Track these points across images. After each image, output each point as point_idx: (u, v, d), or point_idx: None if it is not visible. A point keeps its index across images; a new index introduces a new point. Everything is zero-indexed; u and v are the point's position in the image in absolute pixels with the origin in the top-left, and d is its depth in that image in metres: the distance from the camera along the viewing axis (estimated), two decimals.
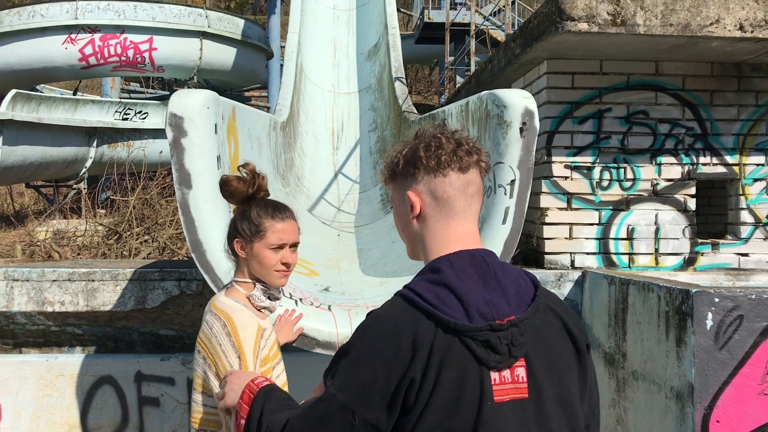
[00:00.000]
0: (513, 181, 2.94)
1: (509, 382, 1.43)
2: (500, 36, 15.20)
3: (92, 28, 14.17)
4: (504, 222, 2.95)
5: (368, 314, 1.52)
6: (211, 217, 2.85)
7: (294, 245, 2.17)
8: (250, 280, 2.14)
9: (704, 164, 4.46)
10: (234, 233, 2.15)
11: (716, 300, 2.94)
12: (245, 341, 2.01)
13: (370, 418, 1.41)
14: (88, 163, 13.18)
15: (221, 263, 2.84)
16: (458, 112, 3.82)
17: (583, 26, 3.76)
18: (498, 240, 2.96)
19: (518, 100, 2.92)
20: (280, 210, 2.15)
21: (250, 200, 2.15)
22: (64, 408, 4.04)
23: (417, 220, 1.58)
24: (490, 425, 1.40)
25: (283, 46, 17.89)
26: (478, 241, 1.58)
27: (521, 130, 2.92)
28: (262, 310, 2.17)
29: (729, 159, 4.47)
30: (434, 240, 1.55)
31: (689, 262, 4.44)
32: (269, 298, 2.16)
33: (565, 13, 3.76)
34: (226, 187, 2.14)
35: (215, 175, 2.89)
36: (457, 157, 1.52)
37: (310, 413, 1.49)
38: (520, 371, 1.44)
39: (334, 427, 1.44)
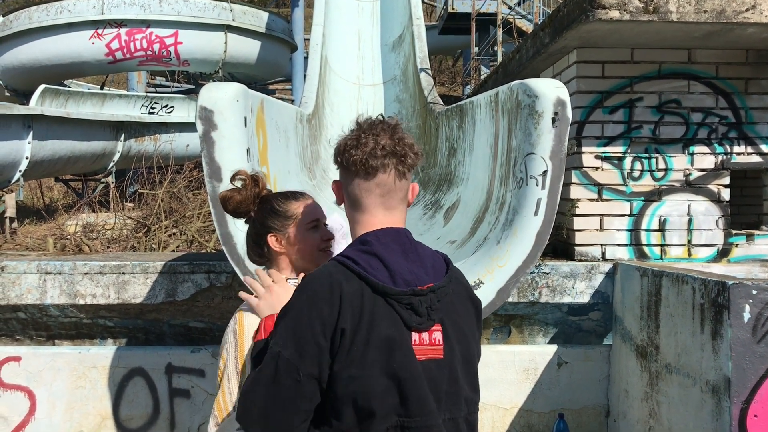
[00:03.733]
0: (545, 172, 2.90)
1: (427, 343, 1.63)
2: (526, 26, 15.04)
3: (118, 23, 14.29)
4: (536, 214, 2.91)
5: (304, 277, 1.70)
6: None
7: (324, 223, 2.13)
8: (292, 277, 2.05)
9: (738, 153, 4.37)
10: (265, 231, 2.05)
11: (754, 292, 2.88)
12: (248, 341, 1.94)
13: (312, 371, 1.56)
14: (116, 157, 13.31)
15: None
16: (487, 102, 3.78)
17: (615, 14, 3.70)
18: (530, 232, 2.92)
19: (550, 90, 2.88)
20: (296, 193, 2.14)
21: (260, 202, 2.08)
22: (96, 399, 4.09)
23: (344, 204, 1.79)
24: (418, 378, 1.58)
25: (307, 39, 17.90)
26: (397, 224, 1.74)
27: (553, 120, 2.88)
28: None
29: (764, 148, 4.38)
30: (355, 224, 1.74)
31: (723, 254, 4.36)
32: None
33: (595, 1, 3.70)
34: (229, 202, 2.05)
35: (245, 168, 2.89)
36: (366, 162, 1.66)
37: (264, 373, 1.60)
38: (437, 335, 1.65)
39: (285, 384, 1.57)
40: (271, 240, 2.05)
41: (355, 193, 1.71)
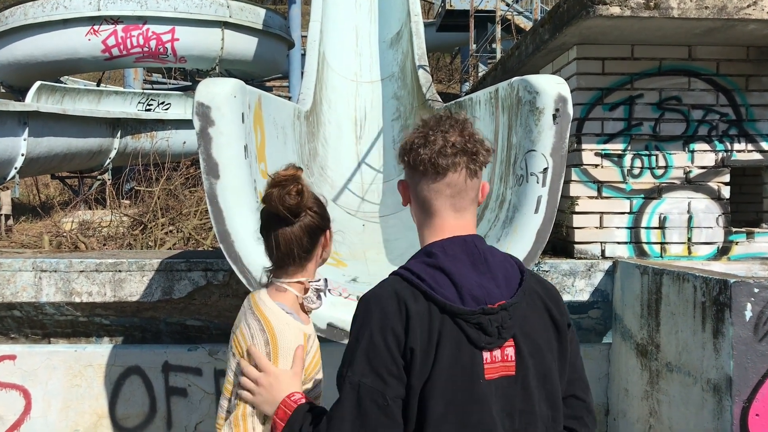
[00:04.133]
0: (546, 169, 2.88)
1: (499, 360, 1.54)
2: (524, 23, 15.00)
3: (115, 20, 14.20)
4: (537, 211, 2.89)
5: (363, 298, 1.58)
6: (239, 207, 2.82)
7: None
8: (303, 279, 1.96)
9: (739, 151, 4.34)
10: (322, 230, 1.95)
11: (756, 290, 2.86)
12: (282, 355, 1.86)
13: (399, 392, 1.49)
14: (113, 154, 13.24)
15: (250, 253, 2.82)
16: (487, 99, 3.75)
17: (615, 10, 3.67)
18: (530, 229, 2.90)
19: (551, 86, 2.85)
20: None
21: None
22: (92, 398, 4.06)
23: (410, 205, 1.70)
24: (479, 402, 1.50)
25: (304, 36, 17.84)
26: (468, 229, 1.64)
27: (554, 116, 2.85)
28: (310, 313, 2.03)
29: (765, 145, 4.35)
30: (425, 229, 1.64)
31: (723, 252, 4.34)
32: (318, 297, 2.02)
33: None
34: (306, 193, 1.90)
35: (243, 164, 2.86)
36: (437, 160, 1.56)
37: (345, 407, 1.50)
38: (510, 351, 1.55)
39: (372, 413, 1.48)
40: (327, 236, 1.97)
41: (423, 194, 1.61)
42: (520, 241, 2.91)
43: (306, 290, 1.97)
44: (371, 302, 1.55)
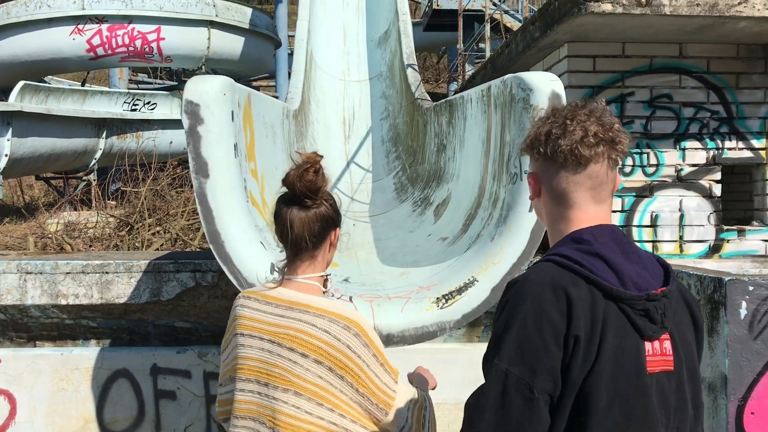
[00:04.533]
0: None
1: (659, 353, 1.45)
2: (511, 22, 15.01)
3: (99, 19, 14.07)
4: (531, 210, 2.85)
5: (513, 283, 1.48)
6: (229, 206, 2.77)
7: None
8: (325, 274, 1.97)
9: (730, 149, 4.34)
10: (336, 222, 1.95)
11: (750, 288, 2.85)
12: (379, 343, 1.87)
13: (547, 387, 1.37)
14: (98, 155, 13.11)
15: (240, 254, 2.77)
16: (479, 97, 3.71)
17: (607, 7, 3.65)
18: (525, 228, 2.86)
19: (545, 83, 2.82)
20: None
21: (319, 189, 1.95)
22: (79, 402, 3.98)
23: (539, 199, 1.59)
24: (645, 395, 1.41)
25: (291, 35, 17.76)
26: (608, 221, 1.56)
27: None
28: None
29: (755, 143, 4.36)
30: (561, 223, 1.55)
31: (714, 250, 4.33)
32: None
33: None
34: (321, 173, 1.91)
35: (233, 163, 2.81)
36: (578, 150, 1.46)
37: (489, 397, 1.40)
38: (667, 344, 1.47)
39: (516, 405, 1.37)
40: (335, 233, 1.97)
41: (561, 186, 1.51)
42: (515, 240, 2.87)
43: (325, 284, 1.97)
44: (525, 288, 1.43)
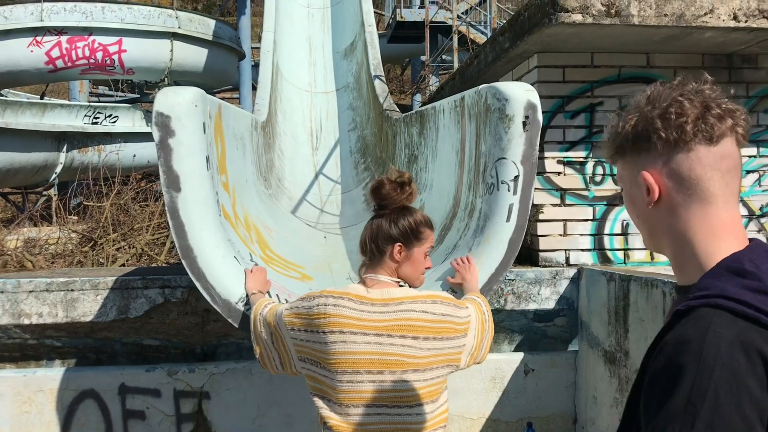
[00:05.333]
0: (516, 177, 2.84)
1: None
2: (473, 33, 15.13)
3: (59, 30, 13.81)
4: (508, 219, 2.84)
5: (685, 345, 1.08)
6: (201, 221, 2.70)
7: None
8: (394, 279, 2.24)
9: None
10: (396, 238, 2.22)
11: None
12: (450, 294, 2.37)
13: None
14: (58, 169, 12.85)
15: (214, 270, 2.70)
16: (452, 107, 3.70)
17: (578, 17, 3.68)
18: (503, 238, 2.85)
19: (520, 93, 2.82)
20: (430, 220, 2.33)
21: (402, 209, 2.26)
22: (43, 425, 3.84)
23: (657, 206, 1.24)
24: None
25: (255, 47, 17.66)
26: (744, 229, 1.25)
27: (524, 123, 2.81)
28: None
29: None
30: (695, 231, 1.21)
31: None
32: None
33: (558, 4, 3.67)
34: (396, 191, 2.23)
35: (205, 176, 2.74)
36: (705, 125, 1.18)
37: None
38: None
39: None
40: (396, 249, 2.22)
41: (694, 172, 1.19)
42: (493, 250, 2.85)
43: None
44: (706, 351, 1.05)
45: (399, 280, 2.25)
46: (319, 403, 2.18)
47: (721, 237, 1.20)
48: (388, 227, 2.22)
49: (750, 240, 1.22)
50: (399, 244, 2.21)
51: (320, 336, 2.13)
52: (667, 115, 1.20)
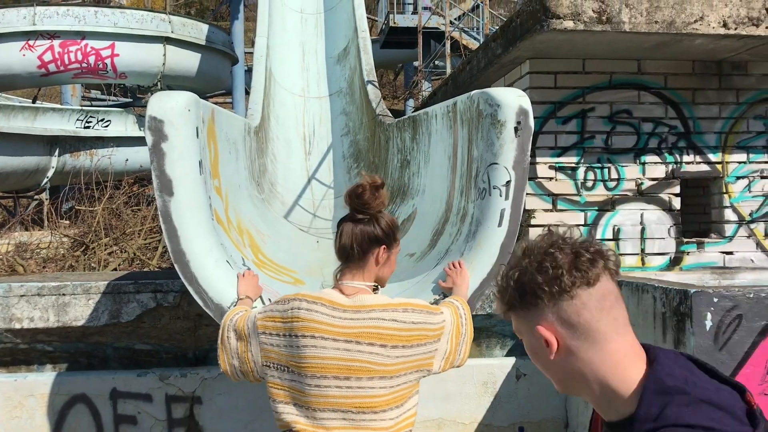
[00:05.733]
0: (508, 182, 2.85)
1: None
2: (466, 39, 15.18)
3: (51, 34, 13.78)
4: (500, 224, 2.85)
5: None
6: (194, 225, 2.70)
7: None
8: (371, 284, 2.29)
9: (688, 163, 4.43)
10: (381, 241, 2.29)
11: (715, 300, 2.89)
12: (423, 302, 2.36)
13: None
14: (50, 173, 12.81)
15: (206, 274, 2.70)
16: (444, 113, 3.72)
17: (569, 24, 3.70)
18: (494, 243, 2.86)
19: (512, 99, 2.83)
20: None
21: (379, 211, 2.32)
22: (34, 429, 3.82)
23: (559, 355, 1.27)
24: None
25: (248, 52, 17.66)
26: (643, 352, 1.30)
27: (516, 129, 2.83)
28: None
29: (712, 157, 4.46)
30: (604, 370, 1.25)
31: (675, 262, 4.40)
32: None
33: (550, 11, 3.69)
34: (379, 193, 2.29)
35: (198, 180, 2.74)
36: (579, 272, 1.25)
37: None
38: None
39: None
40: (381, 252, 2.28)
41: (583, 317, 1.25)
42: (485, 255, 2.86)
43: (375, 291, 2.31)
44: None
45: (374, 284, 2.30)
46: (282, 408, 2.21)
47: (630, 365, 1.25)
48: (373, 231, 2.26)
49: (649, 353, 1.27)
50: (384, 246, 2.28)
51: (292, 340, 2.18)
52: (544, 269, 1.25)
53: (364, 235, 2.25)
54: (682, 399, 1.18)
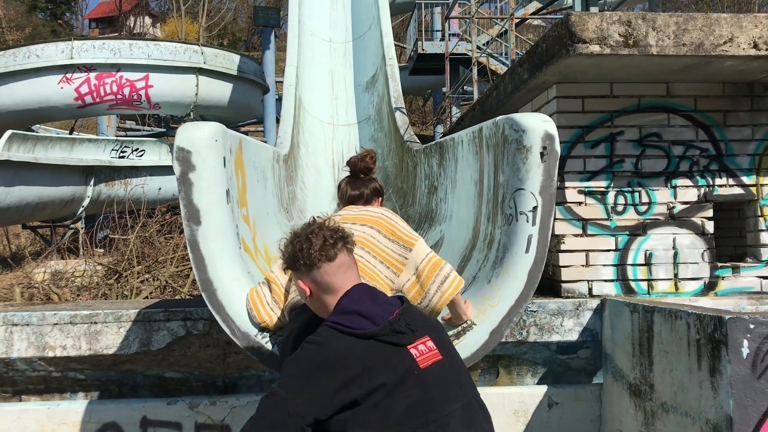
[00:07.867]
0: (535, 208, 2.83)
1: (426, 352, 2.11)
2: (494, 65, 15.21)
3: (88, 67, 14.15)
4: (527, 251, 2.82)
5: (309, 342, 2.11)
6: (221, 254, 2.73)
7: None
8: None
9: (720, 186, 4.35)
10: (380, 193, 3.44)
11: (751, 326, 2.81)
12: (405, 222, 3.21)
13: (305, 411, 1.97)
14: (86, 202, 13.06)
15: (233, 302, 2.71)
16: (470, 138, 3.71)
17: (595, 48, 3.68)
18: (522, 270, 2.83)
19: (538, 124, 2.82)
20: None
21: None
22: None
23: (311, 298, 2.29)
24: (423, 384, 2.04)
25: (279, 81, 17.91)
26: (359, 280, 2.32)
27: (542, 154, 2.81)
28: None
29: (746, 180, 4.37)
30: (332, 302, 2.24)
31: (710, 287, 4.31)
32: None
33: (576, 36, 3.68)
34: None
35: (225, 209, 2.77)
36: (323, 252, 2.21)
37: None
38: (430, 343, 2.15)
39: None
40: (379, 201, 3.33)
41: (324, 280, 2.26)
42: (512, 282, 2.84)
43: None
44: (317, 347, 2.15)
45: None
46: None
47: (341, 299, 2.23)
48: (377, 185, 3.30)
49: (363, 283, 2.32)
50: (381, 198, 3.30)
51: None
52: (304, 249, 2.23)
53: (372, 187, 3.23)
54: (340, 309, 2.17)
